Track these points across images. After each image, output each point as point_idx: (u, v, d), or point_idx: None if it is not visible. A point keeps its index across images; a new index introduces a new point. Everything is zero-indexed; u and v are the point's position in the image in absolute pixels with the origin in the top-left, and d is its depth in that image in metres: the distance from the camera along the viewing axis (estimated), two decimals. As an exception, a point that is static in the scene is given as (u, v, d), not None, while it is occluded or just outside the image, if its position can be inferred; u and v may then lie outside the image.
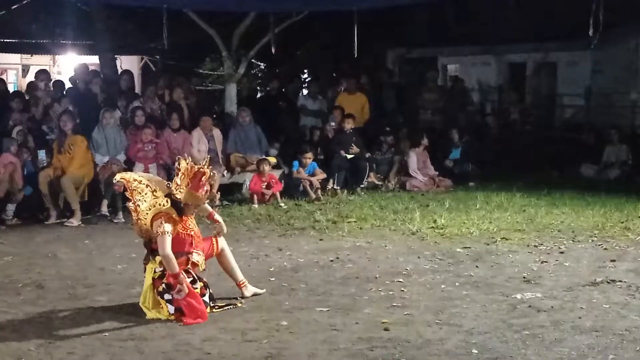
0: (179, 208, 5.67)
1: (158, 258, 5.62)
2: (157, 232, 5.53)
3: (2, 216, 9.54)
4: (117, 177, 5.90)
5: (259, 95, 19.51)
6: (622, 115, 16.25)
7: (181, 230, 5.68)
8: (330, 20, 16.58)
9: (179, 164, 5.69)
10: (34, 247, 8.19)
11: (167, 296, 5.56)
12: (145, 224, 5.63)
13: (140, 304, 5.68)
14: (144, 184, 5.71)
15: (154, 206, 5.63)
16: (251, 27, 13.55)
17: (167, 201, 5.66)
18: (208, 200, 6.16)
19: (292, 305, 5.86)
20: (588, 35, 10.68)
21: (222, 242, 6.04)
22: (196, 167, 5.68)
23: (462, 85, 15.66)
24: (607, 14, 10.41)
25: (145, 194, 5.66)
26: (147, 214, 5.61)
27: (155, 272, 5.64)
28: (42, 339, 5.09)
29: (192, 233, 5.75)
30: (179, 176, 5.66)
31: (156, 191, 5.71)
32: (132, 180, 5.71)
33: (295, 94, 14.93)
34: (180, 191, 5.64)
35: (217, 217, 6.06)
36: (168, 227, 5.53)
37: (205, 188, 5.72)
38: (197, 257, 5.75)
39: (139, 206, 5.63)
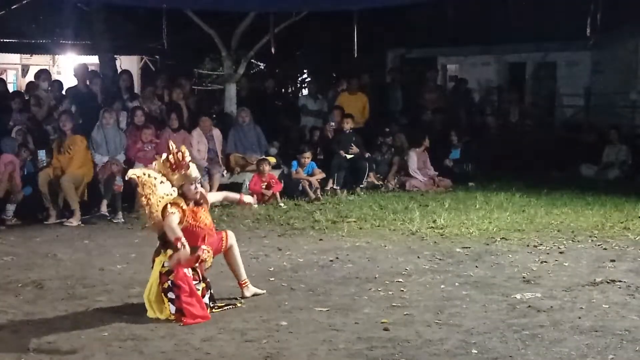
0: (184, 195, 5.75)
1: (169, 251, 5.62)
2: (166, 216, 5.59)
3: (2, 216, 9.55)
4: (129, 173, 5.90)
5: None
6: (622, 115, 16.24)
7: (192, 222, 5.71)
8: (330, 20, 16.57)
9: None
10: (34, 247, 8.19)
11: (170, 294, 5.56)
12: (158, 216, 5.64)
13: (144, 296, 5.67)
14: (153, 176, 5.74)
15: (164, 197, 5.67)
16: (251, 27, 13.54)
17: (175, 190, 5.74)
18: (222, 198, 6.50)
19: (291, 305, 5.86)
20: (587, 36, 10.69)
21: (231, 239, 6.06)
22: (162, 158, 5.80)
23: (465, 86, 15.65)
24: (606, 14, 10.41)
25: (155, 186, 5.69)
26: (158, 203, 5.64)
27: (163, 266, 5.65)
28: (42, 339, 5.09)
29: (204, 226, 5.78)
30: (165, 172, 5.79)
31: (164, 182, 5.76)
32: (142, 175, 5.74)
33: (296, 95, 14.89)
34: (170, 180, 5.77)
35: (246, 198, 6.29)
36: (174, 211, 5.59)
37: (184, 162, 5.76)
38: (206, 254, 5.76)
39: (150, 199, 5.66)
